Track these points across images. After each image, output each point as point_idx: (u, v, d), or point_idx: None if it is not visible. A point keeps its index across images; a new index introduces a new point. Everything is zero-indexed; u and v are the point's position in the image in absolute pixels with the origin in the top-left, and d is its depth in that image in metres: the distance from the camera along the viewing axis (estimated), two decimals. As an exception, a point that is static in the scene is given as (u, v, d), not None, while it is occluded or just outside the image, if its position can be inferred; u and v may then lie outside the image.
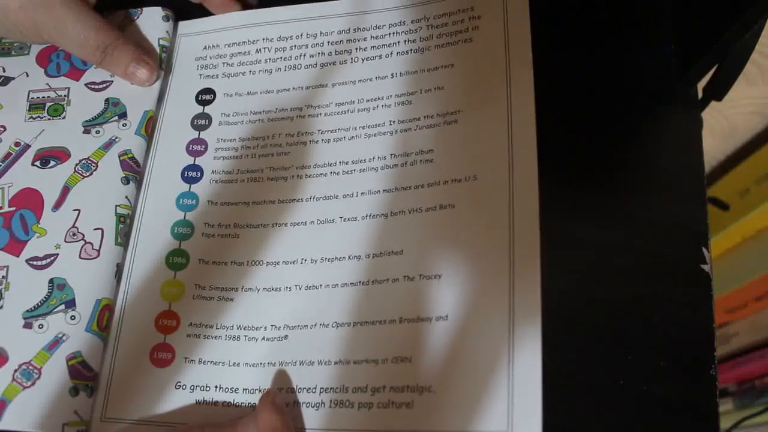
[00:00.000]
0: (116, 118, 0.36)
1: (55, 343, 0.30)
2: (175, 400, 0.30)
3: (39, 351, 0.30)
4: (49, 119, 0.36)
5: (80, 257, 0.32)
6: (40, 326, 0.30)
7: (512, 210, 0.29)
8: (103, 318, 0.31)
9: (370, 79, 0.35)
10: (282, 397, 0.28)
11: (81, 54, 0.36)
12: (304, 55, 0.37)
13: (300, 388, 0.28)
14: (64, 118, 0.36)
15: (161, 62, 0.37)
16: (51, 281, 0.31)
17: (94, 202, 0.33)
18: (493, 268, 0.28)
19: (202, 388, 0.30)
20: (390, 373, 0.27)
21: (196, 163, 0.35)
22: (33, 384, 0.29)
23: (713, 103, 0.37)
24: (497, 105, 0.31)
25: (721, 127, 0.76)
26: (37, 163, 0.34)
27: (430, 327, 0.28)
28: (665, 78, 0.34)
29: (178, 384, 0.30)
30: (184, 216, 0.34)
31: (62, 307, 0.31)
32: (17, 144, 0.35)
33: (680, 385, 0.28)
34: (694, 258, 0.30)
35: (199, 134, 0.36)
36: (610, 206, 0.32)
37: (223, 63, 0.38)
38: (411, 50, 0.35)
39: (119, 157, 0.34)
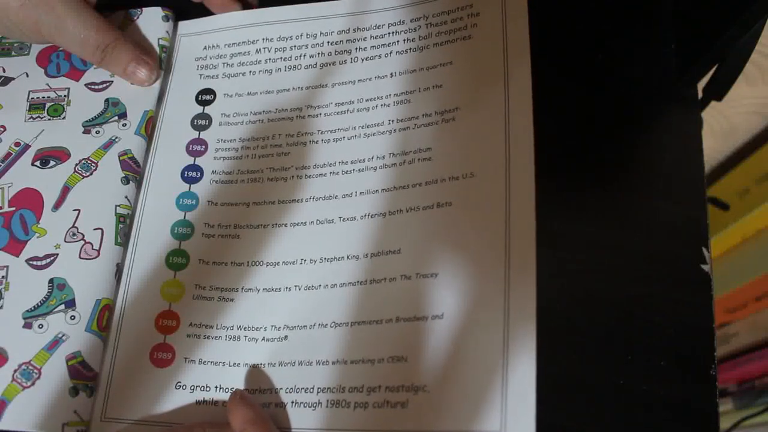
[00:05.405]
0: (116, 118, 0.36)
1: (55, 343, 0.30)
2: (175, 400, 0.30)
3: (39, 351, 0.30)
4: (49, 119, 0.36)
5: (80, 257, 0.32)
6: (40, 326, 0.30)
7: (508, 208, 0.29)
8: (103, 318, 0.31)
9: (370, 79, 0.35)
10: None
11: (81, 53, 0.36)
12: (304, 56, 0.37)
13: (298, 388, 0.28)
14: (64, 118, 0.36)
15: (161, 62, 0.37)
16: (51, 281, 0.31)
17: (94, 202, 0.33)
18: (488, 266, 0.28)
19: (202, 389, 0.30)
20: (386, 372, 0.27)
21: (196, 163, 0.35)
22: (33, 384, 0.29)
23: (713, 103, 0.37)
24: (495, 103, 0.31)
25: (721, 127, 0.76)
26: (37, 163, 0.34)
27: (426, 326, 0.28)
28: (665, 78, 0.34)
29: (178, 384, 0.30)
30: (184, 216, 0.34)
31: (62, 307, 0.31)
32: (17, 144, 0.35)
33: (680, 385, 0.28)
34: (694, 258, 0.30)
35: (199, 134, 0.36)
36: (610, 206, 0.32)
37: (223, 63, 0.38)
38: (410, 49, 0.35)
39: (119, 157, 0.34)
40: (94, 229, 0.32)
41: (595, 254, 0.31)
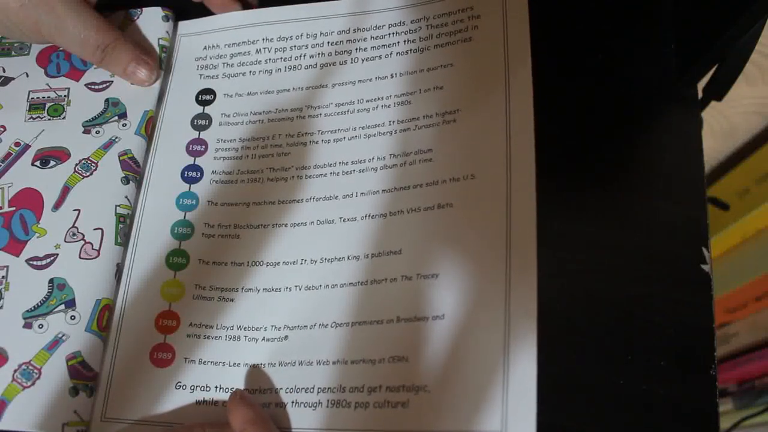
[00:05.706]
0: (116, 118, 0.36)
1: (55, 343, 0.30)
2: (175, 400, 0.30)
3: (39, 351, 0.30)
4: (49, 119, 0.36)
5: (80, 257, 0.32)
6: (40, 326, 0.30)
7: (509, 209, 0.29)
8: (103, 318, 0.31)
9: (370, 80, 0.35)
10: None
11: (81, 53, 0.36)
12: (304, 56, 0.37)
13: (298, 388, 0.28)
14: (64, 118, 0.36)
15: (161, 62, 0.37)
16: (51, 281, 0.31)
17: (94, 202, 0.33)
18: (489, 266, 0.28)
19: (202, 389, 0.30)
20: (386, 372, 0.27)
21: (196, 163, 0.35)
22: (33, 384, 0.29)
23: (713, 103, 0.37)
24: (496, 104, 0.31)
25: (721, 127, 0.76)
26: (37, 163, 0.34)
27: (427, 326, 0.28)
28: (665, 78, 0.34)
29: (178, 384, 0.30)
30: (184, 216, 0.34)
31: (62, 307, 0.31)
32: (17, 144, 0.35)
33: (680, 385, 0.28)
34: (694, 258, 0.30)
35: (199, 134, 0.36)
36: (610, 206, 0.32)
37: (223, 63, 0.38)
38: (410, 50, 0.35)
39: (119, 157, 0.34)
40: (94, 229, 0.32)
41: (595, 254, 0.31)
